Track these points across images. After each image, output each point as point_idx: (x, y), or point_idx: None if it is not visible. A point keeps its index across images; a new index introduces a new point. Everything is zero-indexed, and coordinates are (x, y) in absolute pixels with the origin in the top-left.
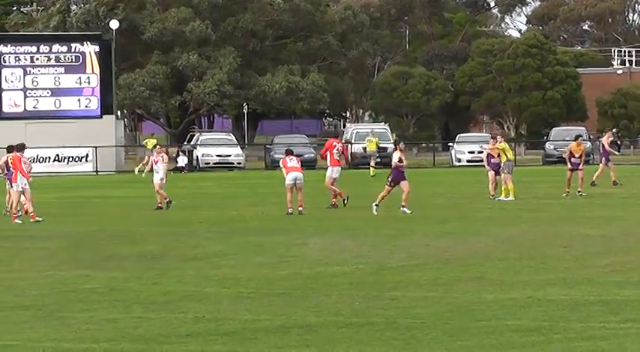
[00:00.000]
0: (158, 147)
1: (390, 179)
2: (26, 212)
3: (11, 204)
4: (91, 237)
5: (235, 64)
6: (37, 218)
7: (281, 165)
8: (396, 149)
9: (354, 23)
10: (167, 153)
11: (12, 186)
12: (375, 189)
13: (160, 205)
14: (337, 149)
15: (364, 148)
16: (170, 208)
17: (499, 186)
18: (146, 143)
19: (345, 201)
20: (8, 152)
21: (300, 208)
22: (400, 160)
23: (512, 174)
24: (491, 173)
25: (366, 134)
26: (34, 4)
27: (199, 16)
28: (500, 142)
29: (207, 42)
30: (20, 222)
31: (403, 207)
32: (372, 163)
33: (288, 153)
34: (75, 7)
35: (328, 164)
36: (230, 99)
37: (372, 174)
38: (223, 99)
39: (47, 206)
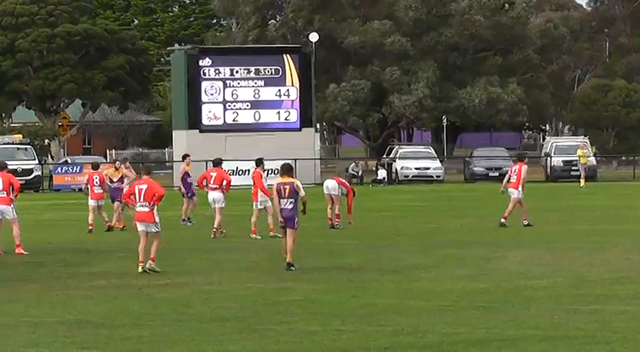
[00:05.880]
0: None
1: None
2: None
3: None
4: None
5: (435, 77)
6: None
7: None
8: None
9: (554, 35)
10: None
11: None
12: (582, 202)
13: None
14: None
15: (566, 161)
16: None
17: None
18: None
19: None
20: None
21: (503, 220)
22: None
23: None
24: None
25: (569, 147)
26: (232, 17)
27: (400, 29)
28: None
29: (406, 55)
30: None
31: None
32: (583, 175)
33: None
34: (273, 20)
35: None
36: (429, 113)
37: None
38: (423, 112)
39: (249, 218)
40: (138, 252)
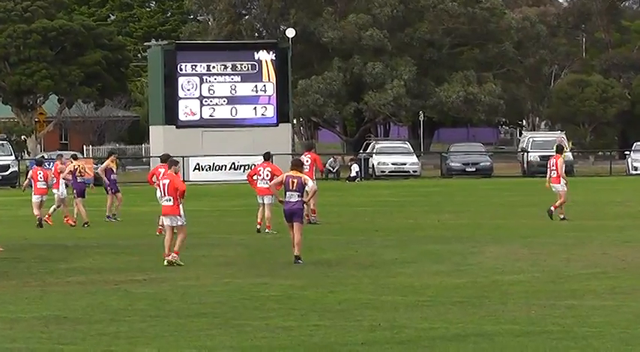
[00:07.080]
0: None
1: None
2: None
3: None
4: (268, 245)
5: (412, 74)
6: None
7: None
8: None
9: (531, 34)
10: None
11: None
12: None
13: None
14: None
15: (543, 156)
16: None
17: None
18: None
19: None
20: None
21: (553, 210)
22: None
23: None
24: None
25: (545, 142)
26: (207, 13)
27: (377, 25)
28: None
29: (384, 50)
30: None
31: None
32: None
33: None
34: (248, 16)
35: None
36: (406, 110)
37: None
38: (400, 110)
39: (227, 214)
40: (163, 246)
